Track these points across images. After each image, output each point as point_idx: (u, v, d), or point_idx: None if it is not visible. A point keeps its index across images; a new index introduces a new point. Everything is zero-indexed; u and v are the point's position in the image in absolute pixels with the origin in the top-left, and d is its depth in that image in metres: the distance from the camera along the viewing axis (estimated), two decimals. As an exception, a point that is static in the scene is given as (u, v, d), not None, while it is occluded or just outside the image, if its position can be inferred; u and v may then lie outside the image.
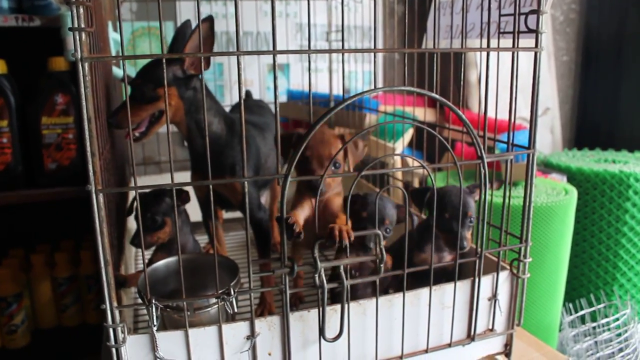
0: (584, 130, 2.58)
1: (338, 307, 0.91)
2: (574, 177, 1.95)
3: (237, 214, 1.86)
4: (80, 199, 1.18)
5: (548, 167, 2.07)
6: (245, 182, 0.84)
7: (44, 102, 1.58)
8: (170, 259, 1.05)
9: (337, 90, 1.96)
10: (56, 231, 1.90)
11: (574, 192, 1.64)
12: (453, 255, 1.11)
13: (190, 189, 1.22)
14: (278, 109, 0.83)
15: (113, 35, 1.39)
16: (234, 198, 1.25)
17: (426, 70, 1.26)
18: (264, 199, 1.38)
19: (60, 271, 1.77)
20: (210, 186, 0.86)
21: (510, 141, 1.02)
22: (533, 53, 0.96)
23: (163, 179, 1.68)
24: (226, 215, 1.86)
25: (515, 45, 0.97)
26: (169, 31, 1.99)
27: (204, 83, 0.88)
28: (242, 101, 1.50)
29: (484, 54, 0.99)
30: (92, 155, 0.79)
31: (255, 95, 2.03)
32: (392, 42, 2.23)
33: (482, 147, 0.93)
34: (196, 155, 1.23)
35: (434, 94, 0.87)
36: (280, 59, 2.11)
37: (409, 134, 1.84)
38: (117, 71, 1.42)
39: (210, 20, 1.05)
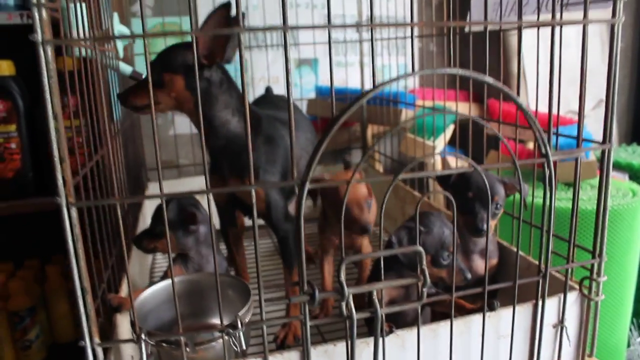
0: (643, 124, 2.33)
1: (371, 339, 0.73)
2: (637, 175, 1.72)
3: (262, 221, 1.70)
4: (94, 207, 1.08)
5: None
6: (253, 190, 0.68)
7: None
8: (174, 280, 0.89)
9: (370, 86, 1.78)
10: (73, 241, 1.77)
11: (642, 193, 1.42)
12: (483, 259, 0.95)
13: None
14: (292, 96, 0.66)
15: (119, 28, 1.25)
16: (257, 206, 1.08)
17: (470, 56, 1.07)
18: (293, 207, 1.21)
19: (77, 283, 1.64)
20: (209, 193, 0.69)
21: (580, 135, 0.83)
22: (582, 38, 0.76)
23: (180, 184, 1.53)
24: (250, 221, 1.70)
25: (586, 17, 0.77)
26: (187, 27, 1.85)
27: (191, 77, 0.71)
28: (263, 95, 1.32)
29: (530, 39, 0.80)
30: (61, 161, 0.63)
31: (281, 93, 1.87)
32: (429, 34, 2.03)
33: (547, 142, 0.74)
34: (212, 156, 1.08)
35: (484, 76, 0.69)
36: (308, 53, 1.94)
37: (449, 130, 1.64)
38: (125, 68, 1.28)
39: (226, 7, 0.90)
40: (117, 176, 1.33)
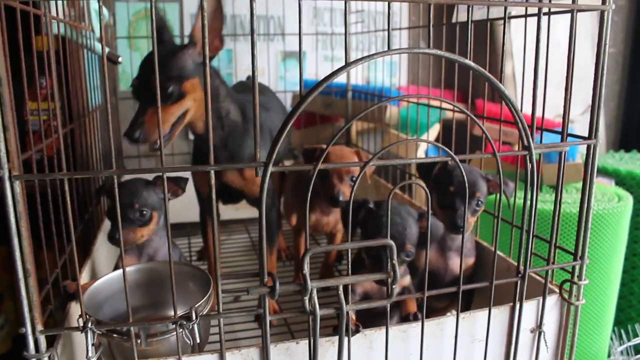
0: (632, 131, 2.29)
1: (336, 338, 0.69)
2: (624, 181, 1.68)
3: (241, 215, 1.65)
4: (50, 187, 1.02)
5: (593, 170, 1.79)
6: (212, 172, 0.63)
7: (28, 86, 1.40)
8: (132, 268, 0.84)
9: (355, 80, 1.74)
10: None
11: (628, 199, 1.38)
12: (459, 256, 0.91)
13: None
14: (257, 72, 0.61)
15: (95, 6, 1.19)
16: (250, 190, 1.08)
17: (457, 45, 1.03)
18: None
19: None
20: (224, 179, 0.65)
21: (565, 130, 0.78)
22: (570, 25, 0.73)
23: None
24: (230, 215, 1.65)
25: (575, 2, 0.73)
26: (174, 14, 1.79)
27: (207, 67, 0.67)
28: (242, 82, 1.28)
29: (521, 42, 0.76)
30: (4, 130, 0.58)
31: (270, 86, 1.81)
32: (417, 33, 1.99)
33: (529, 134, 0.69)
34: (208, 148, 1.01)
35: (465, 59, 0.64)
36: (295, 45, 1.89)
37: (434, 129, 1.60)
38: (100, 48, 1.22)
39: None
40: (91, 153, 1.27)
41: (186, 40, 0.92)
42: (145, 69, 0.89)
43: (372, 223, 0.83)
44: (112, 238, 0.86)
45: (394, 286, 0.65)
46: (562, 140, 0.78)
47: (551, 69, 0.82)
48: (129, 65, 1.63)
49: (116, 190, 0.63)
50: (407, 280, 0.91)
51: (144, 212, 0.90)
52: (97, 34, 1.25)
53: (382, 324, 0.84)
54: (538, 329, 0.82)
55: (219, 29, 0.89)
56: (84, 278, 0.93)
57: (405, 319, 0.76)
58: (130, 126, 0.86)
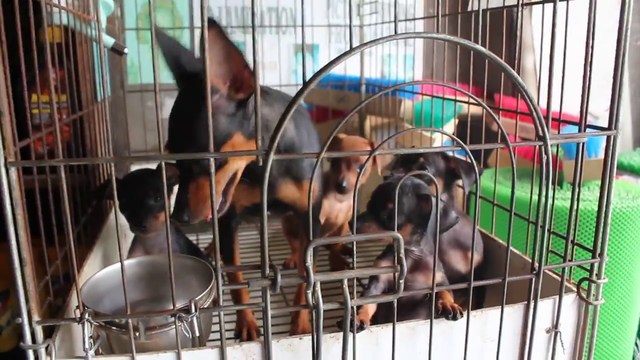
0: (660, 128, 2.25)
1: (341, 334, 0.68)
2: (651, 180, 1.65)
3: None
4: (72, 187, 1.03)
5: (618, 168, 1.77)
6: (211, 159, 0.63)
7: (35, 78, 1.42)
8: (133, 260, 0.84)
9: (369, 74, 1.73)
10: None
11: (654, 197, 1.35)
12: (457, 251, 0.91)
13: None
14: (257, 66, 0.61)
15: (103, -2, 1.20)
16: (304, 204, 0.95)
17: (472, 34, 1.02)
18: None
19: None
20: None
21: (583, 120, 0.77)
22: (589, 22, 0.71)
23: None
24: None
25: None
26: (184, 5, 1.80)
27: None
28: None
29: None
30: (0, 116, 0.59)
31: (282, 80, 1.79)
32: (433, 23, 1.97)
33: (544, 123, 0.68)
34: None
35: (475, 45, 0.63)
36: (307, 38, 1.88)
37: (450, 125, 1.58)
38: (107, 39, 1.23)
39: (215, 26, 0.72)
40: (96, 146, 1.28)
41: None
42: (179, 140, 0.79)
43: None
44: (140, 225, 0.91)
45: (400, 281, 0.64)
46: (580, 131, 0.76)
47: (578, 64, 0.80)
48: (137, 58, 1.64)
49: (113, 177, 0.63)
50: (439, 276, 0.85)
51: (159, 197, 0.93)
52: (104, 25, 1.26)
53: (420, 315, 0.83)
54: (554, 329, 0.81)
55: (239, 64, 0.76)
56: (88, 270, 0.93)
57: (443, 313, 0.75)
58: (176, 206, 0.79)
